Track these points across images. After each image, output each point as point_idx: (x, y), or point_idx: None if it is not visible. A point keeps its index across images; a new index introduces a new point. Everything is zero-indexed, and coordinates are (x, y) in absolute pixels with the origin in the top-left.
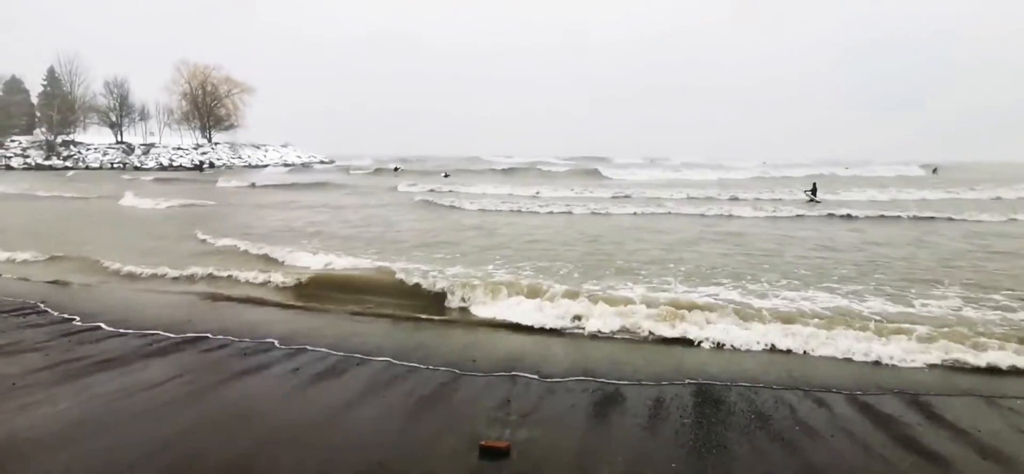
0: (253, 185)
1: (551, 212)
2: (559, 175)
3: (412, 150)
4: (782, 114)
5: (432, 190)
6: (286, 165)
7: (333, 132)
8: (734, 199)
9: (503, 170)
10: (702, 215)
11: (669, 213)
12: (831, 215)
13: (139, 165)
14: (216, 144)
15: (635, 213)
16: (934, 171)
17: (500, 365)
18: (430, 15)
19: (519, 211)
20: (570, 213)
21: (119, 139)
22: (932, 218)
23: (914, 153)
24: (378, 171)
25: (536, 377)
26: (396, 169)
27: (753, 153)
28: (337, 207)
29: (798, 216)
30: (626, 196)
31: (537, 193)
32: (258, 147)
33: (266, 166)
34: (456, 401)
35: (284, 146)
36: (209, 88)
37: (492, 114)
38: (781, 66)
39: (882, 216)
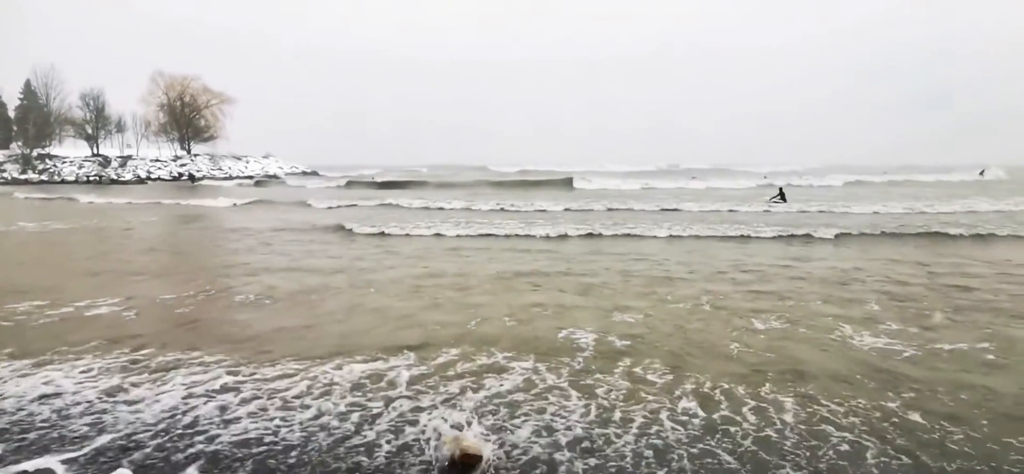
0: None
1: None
2: (534, 185)
3: (418, 160)
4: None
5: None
6: (260, 176)
7: (328, 143)
8: (702, 211)
9: (471, 183)
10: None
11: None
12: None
13: (116, 178)
14: (196, 155)
15: (545, 235)
16: (981, 173)
17: None
18: (433, 33)
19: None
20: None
21: (95, 152)
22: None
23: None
24: (350, 183)
25: None
26: None
27: (787, 158)
28: (203, 228)
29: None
30: (579, 210)
31: (469, 206)
32: (239, 158)
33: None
34: None
35: (265, 157)
36: (187, 99)
37: (499, 126)
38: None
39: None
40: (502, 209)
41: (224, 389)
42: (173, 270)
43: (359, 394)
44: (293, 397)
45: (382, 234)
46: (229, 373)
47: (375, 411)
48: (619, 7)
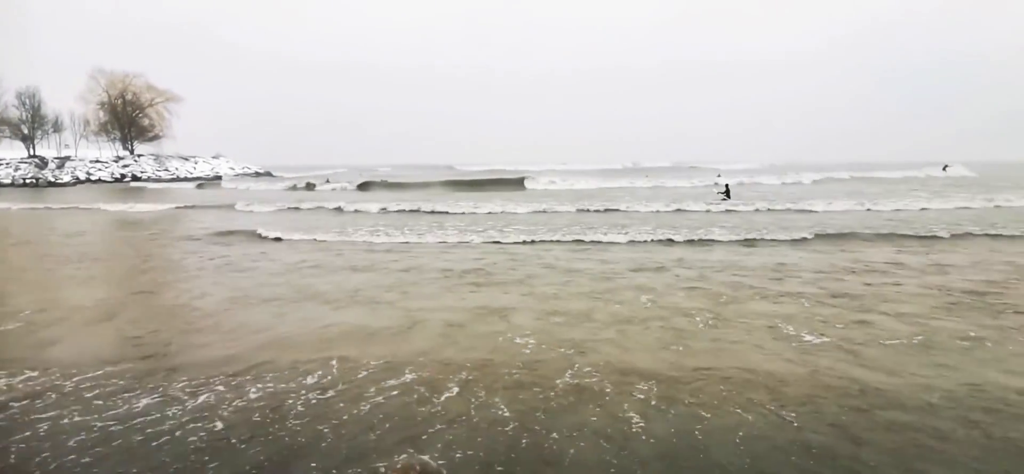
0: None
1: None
2: (487, 185)
3: (386, 160)
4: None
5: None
6: (208, 176)
7: (294, 142)
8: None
9: (424, 183)
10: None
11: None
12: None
13: (53, 180)
14: (139, 156)
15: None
16: (944, 168)
17: None
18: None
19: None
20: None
21: (32, 153)
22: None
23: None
24: (293, 187)
25: None
26: None
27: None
28: (121, 236)
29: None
30: (527, 214)
31: (419, 208)
32: (186, 159)
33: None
34: None
35: (215, 157)
36: (129, 97)
37: (473, 129)
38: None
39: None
40: (435, 211)
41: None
42: (73, 280)
43: (229, 435)
44: (138, 442)
45: (314, 241)
46: (85, 407)
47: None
48: (616, 22)
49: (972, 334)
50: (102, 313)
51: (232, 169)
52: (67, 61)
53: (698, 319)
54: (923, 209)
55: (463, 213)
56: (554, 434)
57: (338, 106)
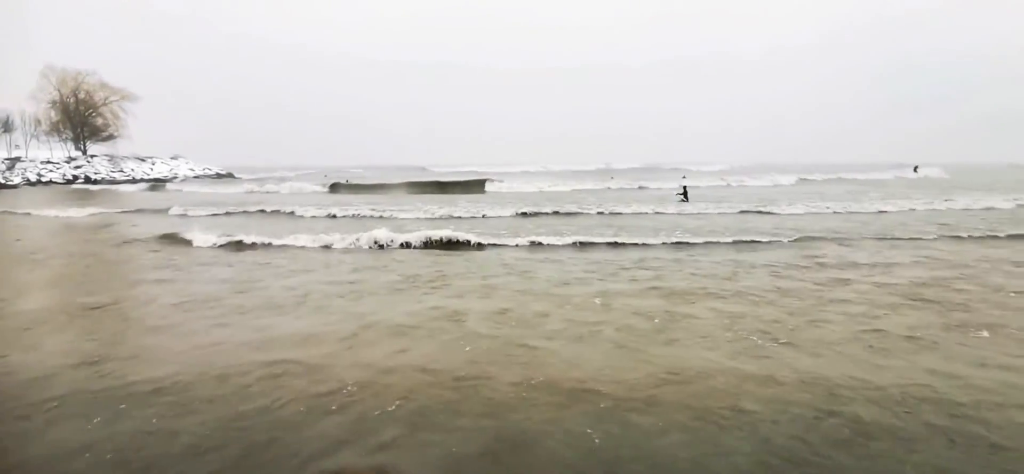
0: None
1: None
2: (448, 187)
3: (360, 161)
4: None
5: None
6: (166, 177)
7: (261, 144)
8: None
9: (387, 185)
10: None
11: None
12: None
13: (4, 182)
14: (93, 157)
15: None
16: (915, 169)
17: None
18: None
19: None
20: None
21: None
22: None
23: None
24: (252, 191)
25: None
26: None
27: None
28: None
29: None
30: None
31: (372, 214)
32: (143, 159)
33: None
34: None
35: (174, 158)
36: (82, 95)
37: (459, 129)
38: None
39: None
40: (393, 217)
41: None
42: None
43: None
44: None
45: (255, 245)
46: None
47: None
48: (617, 20)
49: (919, 335)
50: (17, 326)
51: (192, 170)
52: (63, 57)
53: (657, 320)
54: (880, 211)
55: (428, 217)
56: (504, 444)
57: (333, 103)
